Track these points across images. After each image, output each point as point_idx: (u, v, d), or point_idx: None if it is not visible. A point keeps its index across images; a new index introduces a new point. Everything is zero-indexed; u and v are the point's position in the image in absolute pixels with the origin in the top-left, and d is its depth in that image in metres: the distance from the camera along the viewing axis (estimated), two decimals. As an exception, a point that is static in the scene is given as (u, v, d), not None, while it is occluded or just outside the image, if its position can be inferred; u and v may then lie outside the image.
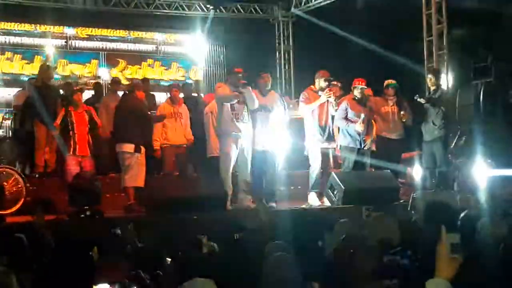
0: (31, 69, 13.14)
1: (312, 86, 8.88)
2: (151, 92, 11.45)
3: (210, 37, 15.35)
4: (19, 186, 8.00)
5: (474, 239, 3.93)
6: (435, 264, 2.10)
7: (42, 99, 8.97)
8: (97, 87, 11.91)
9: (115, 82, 11.16)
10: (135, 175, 8.12)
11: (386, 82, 9.24)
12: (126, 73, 14.44)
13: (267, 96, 8.52)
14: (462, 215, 5.05)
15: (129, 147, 8.10)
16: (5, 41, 13.43)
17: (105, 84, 13.23)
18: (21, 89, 10.80)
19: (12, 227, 6.30)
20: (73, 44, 14.05)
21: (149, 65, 14.85)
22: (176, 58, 15.21)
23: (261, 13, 16.26)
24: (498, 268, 2.96)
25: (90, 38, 14.26)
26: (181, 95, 10.14)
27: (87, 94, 11.46)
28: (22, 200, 7.93)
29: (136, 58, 14.76)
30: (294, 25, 16.17)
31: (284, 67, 16.50)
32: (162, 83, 14.65)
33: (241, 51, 13.99)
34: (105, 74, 14.03)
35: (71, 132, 8.52)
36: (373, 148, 8.95)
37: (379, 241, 1.86)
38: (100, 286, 3.11)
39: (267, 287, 3.10)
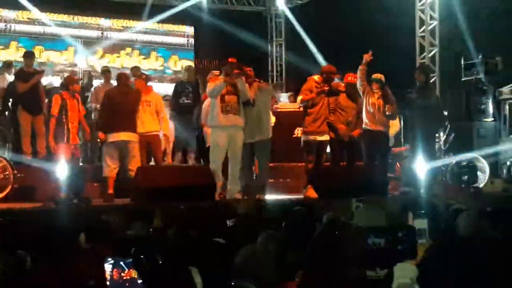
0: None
1: (314, 77, 8.88)
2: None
3: (202, 29, 15.30)
4: (7, 173, 7.94)
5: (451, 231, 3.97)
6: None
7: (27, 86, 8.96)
8: (88, 76, 11.85)
9: (105, 71, 11.08)
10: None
11: (373, 75, 9.25)
12: (103, 61, 14.38)
13: (250, 90, 8.44)
14: (450, 210, 5.12)
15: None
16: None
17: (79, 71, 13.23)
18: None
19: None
20: (50, 31, 13.98)
21: (127, 54, 14.80)
22: (155, 47, 15.16)
23: (253, 5, 16.24)
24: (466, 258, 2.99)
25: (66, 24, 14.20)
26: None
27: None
28: (10, 187, 7.87)
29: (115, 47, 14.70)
30: (287, 17, 16.16)
31: (276, 60, 16.50)
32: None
33: (233, 44, 13.96)
34: (82, 62, 13.97)
35: (65, 120, 8.51)
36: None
37: (365, 227, 1.88)
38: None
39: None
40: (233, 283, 2.70)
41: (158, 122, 8.96)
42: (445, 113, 10.64)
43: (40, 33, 13.87)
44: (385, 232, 1.54)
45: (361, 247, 1.45)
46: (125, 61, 14.61)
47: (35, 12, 13.68)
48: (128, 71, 10.93)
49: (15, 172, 8.01)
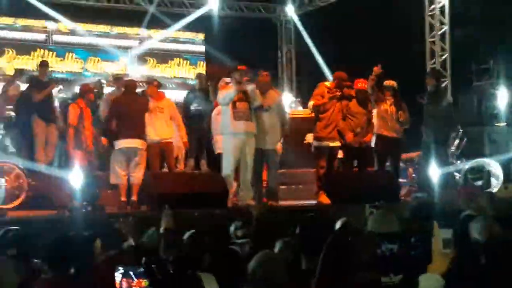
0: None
1: (326, 83, 8.90)
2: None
3: (212, 36, 15.35)
4: (21, 181, 7.98)
5: (466, 238, 3.95)
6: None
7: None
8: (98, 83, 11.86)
9: (118, 78, 11.09)
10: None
11: (385, 82, 9.25)
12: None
13: (266, 95, 8.47)
14: (462, 216, 5.10)
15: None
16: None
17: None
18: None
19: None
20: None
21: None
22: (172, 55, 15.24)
23: (263, 12, 16.28)
24: (488, 265, 2.98)
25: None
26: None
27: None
28: (24, 194, 7.92)
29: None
30: (296, 25, 16.17)
31: (286, 67, 16.52)
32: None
33: (243, 51, 13.99)
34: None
35: (82, 129, 8.56)
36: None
37: (378, 233, 1.88)
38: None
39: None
40: None
41: (171, 128, 8.98)
42: (457, 118, 10.61)
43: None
44: (398, 238, 1.54)
45: (374, 253, 1.45)
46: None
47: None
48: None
49: (29, 180, 8.05)
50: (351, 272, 1.41)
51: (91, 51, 14.29)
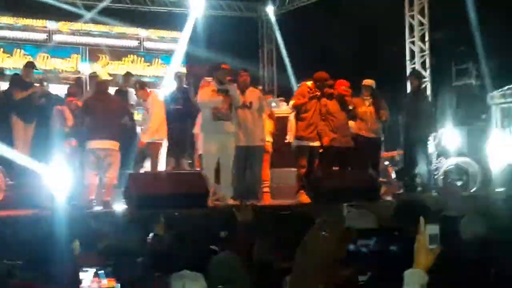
0: (12, 63, 12.99)
1: (307, 83, 8.89)
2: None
3: (193, 34, 15.29)
4: (-1, 180, 7.91)
5: (454, 236, 3.99)
6: (414, 254, 2.13)
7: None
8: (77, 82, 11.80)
9: (93, 77, 11.02)
10: None
11: (363, 82, 9.30)
12: (108, 68, 14.32)
13: (246, 93, 8.47)
14: (441, 215, 5.14)
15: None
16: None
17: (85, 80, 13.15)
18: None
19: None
20: (56, 39, 13.92)
21: (131, 61, 14.74)
22: (158, 54, 15.08)
23: (244, 11, 16.27)
24: (474, 264, 3.01)
25: (72, 32, 14.14)
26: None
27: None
28: (2, 194, 7.84)
29: (118, 53, 14.63)
30: (278, 24, 16.18)
31: (267, 66, 16.53)
32: (145, 79, 14.51)
33: (224, 49, 13.97)
34: (86, 69, 13.92)
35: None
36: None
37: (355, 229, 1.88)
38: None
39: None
40: None
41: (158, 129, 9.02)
42: (437, 117, 10.69)
43: (44, 40, 13.82)
44: (374, 234, 1.54)
45: (350, 248, 1.45)
46: (129, 68, 14.57)
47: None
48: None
49: (7, 179, 7.97)
50: (326, 269, 1.41)
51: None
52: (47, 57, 13.63)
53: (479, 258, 3.46)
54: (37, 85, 9.51)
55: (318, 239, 1.50)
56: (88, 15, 13.58)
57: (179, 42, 14.59)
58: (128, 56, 14.59)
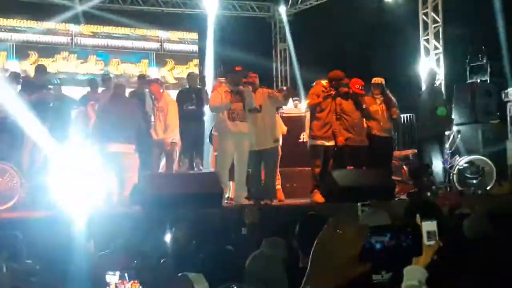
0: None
1: (322, 82, 8.86)
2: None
3: (206, 35, 15.32)
4: (14, 182, 7.96)
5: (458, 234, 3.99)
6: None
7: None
8: (92, 83, 11.83)
9: (108, 79, 11.04)
10: None
11: (372, 80, 9.27)
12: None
13: (255, 95, 8.45)
14: (456, 213, 5.12)
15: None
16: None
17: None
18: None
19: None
20: (79, 42, 14.13)
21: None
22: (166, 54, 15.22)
23: (257, 11, 16.28)
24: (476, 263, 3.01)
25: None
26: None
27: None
28: (17, 196, 7.90)
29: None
30: (291, 23, 16.17)
31: (281, 65, 16.53)
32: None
33: (237, 50, 13.99)
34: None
35: None
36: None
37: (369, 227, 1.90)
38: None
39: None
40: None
41: (171, 128, 9.06)
42: (451, 115, 10.63)
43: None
44: (387, 230, 1.54)
45: (364, 245, 1.46)
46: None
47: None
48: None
49: (23, 180, 8.03)
50: (341, 266, 1.42)
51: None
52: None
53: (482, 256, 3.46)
54: (51, 87, 9.56)
55: (332, 237, 1.51)
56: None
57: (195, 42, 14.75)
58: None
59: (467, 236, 3.99)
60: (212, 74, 13.38)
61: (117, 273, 3.12)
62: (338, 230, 1.51)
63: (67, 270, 3.54)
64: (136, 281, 3.09)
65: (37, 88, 9.22)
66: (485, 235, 3.88)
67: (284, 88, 13.23)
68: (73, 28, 14.08)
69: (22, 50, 13.53)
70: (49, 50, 13.72)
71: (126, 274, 3.10)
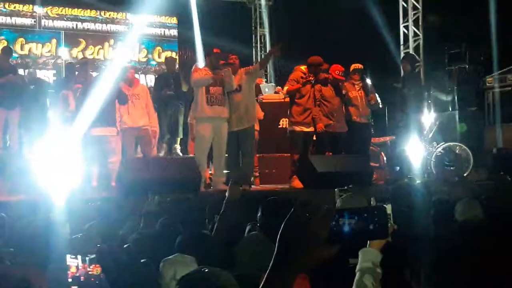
0: None
1: (301, 67, 8.82)
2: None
3: (185, 20, 15.19)
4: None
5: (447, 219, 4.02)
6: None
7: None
8: (69, 67, 11.66)
9: (85, 63, 10.88)
10: None
11: (352, 66, 9.27)
12: (87, 53, 14.26)
13: (236, 77, 8.40)
14: (434, 199, 5.15)
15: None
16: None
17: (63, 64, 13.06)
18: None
19: None
20: (43, 24, 13.85)
21: (110, 46, 14.67)
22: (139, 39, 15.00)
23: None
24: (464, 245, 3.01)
25: (60, 17, 14.07)
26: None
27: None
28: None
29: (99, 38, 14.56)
30: (271, 8, 16.09)
31: (260, 51, 16.47)
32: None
33: (216, 35, 13.89)
34: (64, 54, 13.86)
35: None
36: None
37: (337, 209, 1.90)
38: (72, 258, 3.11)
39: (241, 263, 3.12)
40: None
41: (147, 116, 8.93)
42: (429, 102, 10.69)
43: (23, 25, 13.69)
44: (355, 212, 1.53)
45: (332, 228, 1.45)
46: (108, 53, 14.46)
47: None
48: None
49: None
50: (309, 248, 1.40)
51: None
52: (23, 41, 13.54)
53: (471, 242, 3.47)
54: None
55: (299, 220, 1.48)
56: None
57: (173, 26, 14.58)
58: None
59: (458, 220, 4.04)
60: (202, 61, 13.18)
61: (79, 256, 3.08)
62: (305, 213, 1.49)
63: (40, 252, 3.49)
64: (97, 265, 3.05)
65: (3, 72, 9.08)
66: (476, 219, 3.93)
67: (264, 80, 13.21)
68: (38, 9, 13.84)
69: None
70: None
71: (87, 258, 3.06)
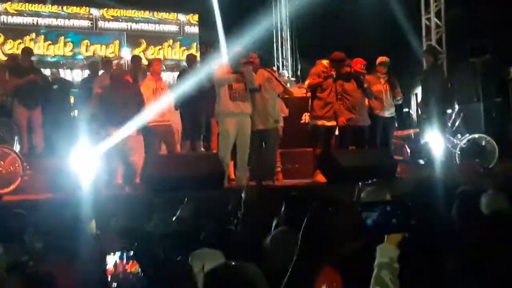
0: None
1: (323, 61, 8.81)
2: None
3: (206, 16, 15.22)
4: (16, 165, 7.97)
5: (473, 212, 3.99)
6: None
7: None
8: (92, 66, 11.78)
9: (108, 62, 11.00)
10: None
11: (378, 59, 9.22)
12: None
13: (256, 76, 8.41)
14: (458, 191, 5.10)
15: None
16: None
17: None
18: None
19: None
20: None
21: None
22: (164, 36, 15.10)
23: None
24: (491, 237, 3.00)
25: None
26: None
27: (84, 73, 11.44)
28: (19, 179, 7.91)
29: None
30: (291, 3, 16.04)
31: (281, 46, 16.44)
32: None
33: (238, 30, 13.89)
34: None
35: None
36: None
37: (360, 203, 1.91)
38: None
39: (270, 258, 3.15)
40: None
41: (171, 111, 9.01)
42: (453, 94, 10.60)
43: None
44: (378, 206, 1.54)
45: (355, 221, 1.46)
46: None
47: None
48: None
49: (25, 164, 8.04)
50: (333, 244, 1.41)
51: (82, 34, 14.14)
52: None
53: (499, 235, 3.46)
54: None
55: (322, 214, 1.50)
56: None
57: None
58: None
59: (483, 212, 4.01)
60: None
61: (117, 253, 3.13)
62: (329, 208, 1.51)
63: (67, 250, 3.55)
64: (135, 262, 3.09)
65: (24, 72, 9.20)
66: (501, 212, 3.89)
67: (286, 75, 13.20)
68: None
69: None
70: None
71: (124, 255, 3.11)
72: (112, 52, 13.98)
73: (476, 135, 9.87)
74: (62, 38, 13.58)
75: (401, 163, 9.33)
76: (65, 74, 12.96)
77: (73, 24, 13.83)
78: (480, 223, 3.64)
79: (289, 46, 16.38)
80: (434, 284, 2.61)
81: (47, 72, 11.79)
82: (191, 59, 10.32)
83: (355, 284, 2.56)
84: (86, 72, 11.44)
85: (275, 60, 16.27)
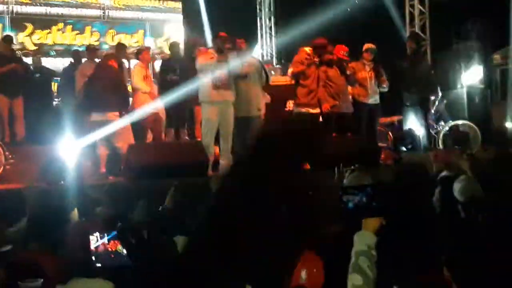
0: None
1: (306, 48, 8.79)
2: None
3: (190, 3, 15.13)
4: (-3, 154, 7.90)
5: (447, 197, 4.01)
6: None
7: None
8: (75, 55, 11.67)
9: (92, 49, 10.90)
10: None
11: (365, 46, 9.22)
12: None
13: (247, 63, 8.38)
14: (440, 175, 5.14)
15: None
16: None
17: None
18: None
19: None
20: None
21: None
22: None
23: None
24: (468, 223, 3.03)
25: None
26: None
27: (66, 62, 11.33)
28: (1, 168, 7.85)
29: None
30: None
31: (266, 34, 16.40)
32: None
33: (221, 17, 13.83)
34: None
35: None
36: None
37: (341, 186, 1.90)
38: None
39: None
40: None
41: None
42: (437, 80, 10.63)
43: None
44: (359, 189, 1.54)
45: (336, 204, 1.46)
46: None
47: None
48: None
49: (7, 153, 7.97)
50: (316, 227, 1.41)
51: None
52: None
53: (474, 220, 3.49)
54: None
55: (303, 198, 1.50)
56: None
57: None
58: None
59: (458, 198, 4.03)
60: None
61: (99, 234, 3.13)
62: (309, 192, 1.51)
63: (50, 237, 3.54)
64: (116, 242, 3.09)
65: (5, 61, 9.10)
66: (474, 197, 3.91)
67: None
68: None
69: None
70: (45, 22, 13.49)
71: (105, 234, 3.11)
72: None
73: (459, 122, 9.93)
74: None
75: (385, 149, 9.37)
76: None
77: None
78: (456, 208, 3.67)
79: (273, 33, 16.33)
80: (411, 269, 2.63)
81: (49, 61, 11.70)
82: (174, 46, 10.27)
83: (336, 268, 2.58)
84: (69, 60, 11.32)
85: (261, 47, 16.23)
